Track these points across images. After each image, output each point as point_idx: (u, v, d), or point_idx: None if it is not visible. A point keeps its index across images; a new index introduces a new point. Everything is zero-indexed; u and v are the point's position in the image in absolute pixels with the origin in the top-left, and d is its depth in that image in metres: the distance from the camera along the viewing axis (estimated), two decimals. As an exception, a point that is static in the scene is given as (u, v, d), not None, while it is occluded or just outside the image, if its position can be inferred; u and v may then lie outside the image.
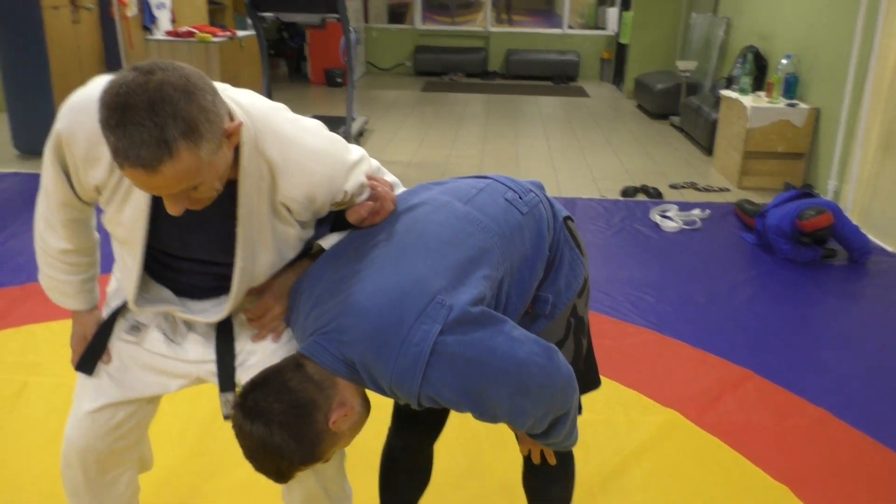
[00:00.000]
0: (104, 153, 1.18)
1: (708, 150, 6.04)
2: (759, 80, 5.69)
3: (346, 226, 1.38)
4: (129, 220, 1.24)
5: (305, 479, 1.45)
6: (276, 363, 1.22)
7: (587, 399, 2.39)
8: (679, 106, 7.09)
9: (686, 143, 6.54)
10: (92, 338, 1.41)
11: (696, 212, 4.42)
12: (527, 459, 1.57)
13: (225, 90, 1.18)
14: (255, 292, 1.36)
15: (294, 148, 1.23)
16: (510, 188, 1.40)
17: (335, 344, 1.18)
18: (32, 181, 4.66)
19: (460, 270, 1.20)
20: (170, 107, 0.99)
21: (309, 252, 1.41)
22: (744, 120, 5.06)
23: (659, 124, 7.40)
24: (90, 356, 1.40)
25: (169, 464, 2.04)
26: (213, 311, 1.35)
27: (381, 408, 2.02)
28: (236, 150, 1.17)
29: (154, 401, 1.50)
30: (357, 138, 5.91)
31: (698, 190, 5.07)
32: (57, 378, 2.43)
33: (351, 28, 5.32)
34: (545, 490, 1.62)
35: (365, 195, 1.34)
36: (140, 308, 1.36)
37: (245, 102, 1.20)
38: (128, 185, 1.21)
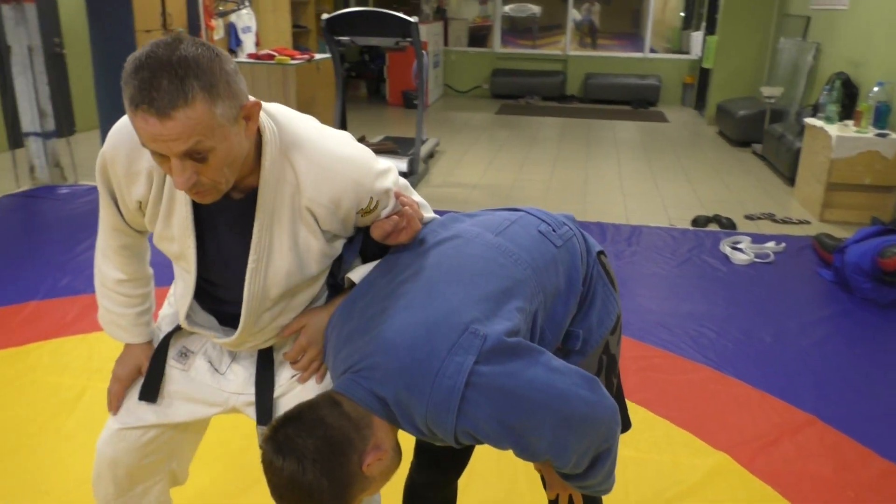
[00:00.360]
0: (143, 167, 1.22)
1: (790, 180, 5.79)
2: (849, 109, 5.41)
3: (375, 255, 1.38)
4: (178, 230, 1.26)
5: None
6: (310, 399, 1.18)
7: (633, 438, 2.33)
8: (762, 133, 6.84)
9: (767, 173, 6.29)
10: (149, 363, 1.44)
11: (771, 244, 4.23)
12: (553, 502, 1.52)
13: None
14: (291, 333, 1.36)
15: (320, 152, 1.23)
16: (543, 220, 1.37)
17: (367, 382, 1.15)
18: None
19: (494, 301, 1.17)
20: (193, 64, 1.01)
21: (341, 288, 1.40)
22: (828, 150, 4.83)
23: (739, 152, 7.15)
24: (151, 382, 1.43)
25: (204, 477, 2.08)
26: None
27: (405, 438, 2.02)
28: (259, 152, 1.18)
29: (189, 428, 1.53)
30: (427, 160, 5.98)
31: (775, 222, 4.85)
32: (116, 383, 2.55)
33: (426, 52, 5.40)
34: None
35: (391, 207, 1.32)
36: (190, 327, 1.40)
37: (271, 109, 1.23)
38: (169, 195, 1.24)
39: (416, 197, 1.43)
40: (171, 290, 1.50)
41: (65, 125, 5.50)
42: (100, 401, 2.44)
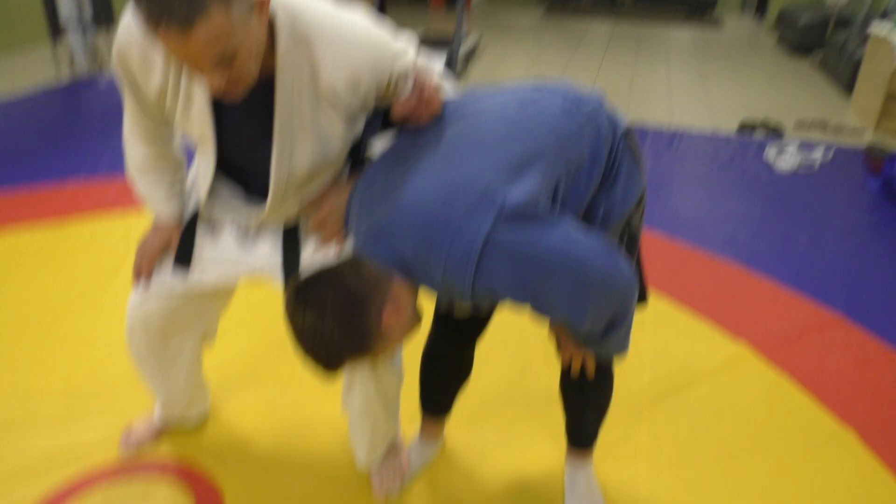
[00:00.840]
0: (157, 57, 1.21)
1: (848, 90, 5.51)
2: (919, 15, 5.07)
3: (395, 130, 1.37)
4: (197, 117, 1.27)
5: (366, 383, 1.51)
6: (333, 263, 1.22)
7: (653, 325, 2.34)
8: (823, 42, 6.47)
9: (824, 83, 5.99)
10: (182, 232, 1.48)
11: (818, 153, 4.07)
12: (565, 369, 1.55)
13: None
14: (315, 204, 1.38)
15: (335, 33, 1.21)
16: (568, 95, 1.34)
17: (387, 241, 1.17)
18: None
19: (514, 167, 1.16)
20: None
21: (362, 163, 1.41)
22: (891, 59, 4.55)
23: (798, 61, 6.80)
24: (185, 249, 1.48)
25: (237, 343, 2.17)
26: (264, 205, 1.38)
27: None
28: (272, 38, 1.17)
29: (216, 294, 1.59)
30: (466, 59, 5.84)
31: (827, 130, 4.65)
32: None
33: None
34: (581, 396, 1.60)
35: (410, 87, 1.30)
36: (211, 204, 1.43)
37: None
38: (187, 83, 1.23)
39: (435, 77, 1.40)
40: (194, 165, 1.52)
41: (103, 14, 5.49)
42: (135, 271, 2.56)
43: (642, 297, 1.50)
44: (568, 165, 1.24)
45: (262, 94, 1.22)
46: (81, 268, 2.59)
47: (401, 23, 7.66)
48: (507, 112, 1.28)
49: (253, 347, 2.19)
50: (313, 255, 1.43)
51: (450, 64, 5.18)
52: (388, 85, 1.27)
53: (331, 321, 1.11)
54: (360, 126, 1.34)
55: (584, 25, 8.37)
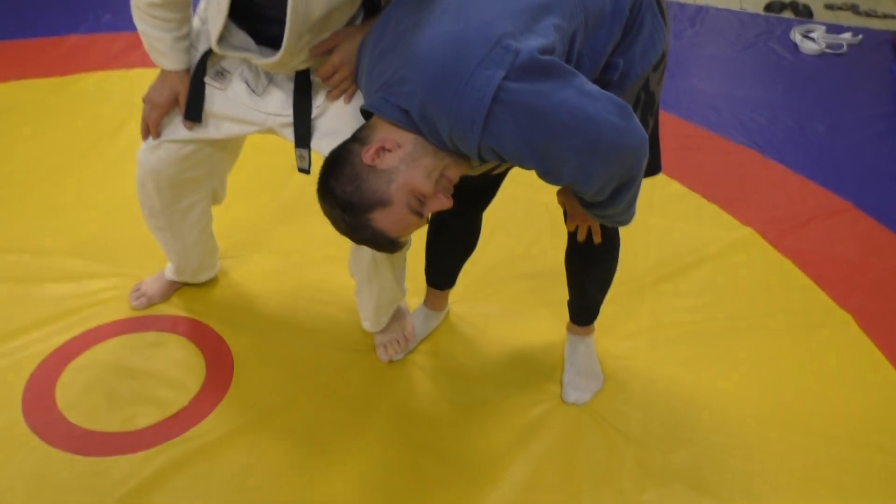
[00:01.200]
0: None
1: (885, -30, 5.20)
2: None
3: None
4: None
5: (375, 253, 1.50)
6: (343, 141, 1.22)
7: (661, 207, 2.33)
8: (865, -85, 6.04)
9: (861, -39, 5.65)
10: (189, 82, 1.42)
11: (847, 35, 3.89)
12: (571, 237, 1.54)
13: None
14: (325, 51, 1.33)
15: None
16: None
17: (395, 97, 1.14)
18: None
19: (529, 16, 1.10)
20: None
21: (377, 10, 1.35)
22: (937, -67, 4.27)
23: (836, -63, 6.39)
24: (194, 102, 1.43)
25: (246, 208, 2.17)
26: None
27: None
28: None
29: (227, 145, 1.56)
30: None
31: (858, 14, 4.43)
32: (156, 117, 2.59)
33: None
34: (585, 270, 1.62)
35: None
36: (222, 51, 1.37)
37: None
38: None
39: None
40: (203, 4, 1.45)
41: None
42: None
43: (656, 168, 1.47)
44: (587, 15, 1.18)
45: None
46: (85, 124, 2.55)
47: None
48: None
49: (263, 210, 2.20)
50: (324, 105, 1.40)
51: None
52: None
53: (329, 190, 1.18)
54: None
55: None
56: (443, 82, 1.07)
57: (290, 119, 1.41)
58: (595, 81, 1.27)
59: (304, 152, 1.41)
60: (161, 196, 1.57)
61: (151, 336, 1.74)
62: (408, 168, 1.15)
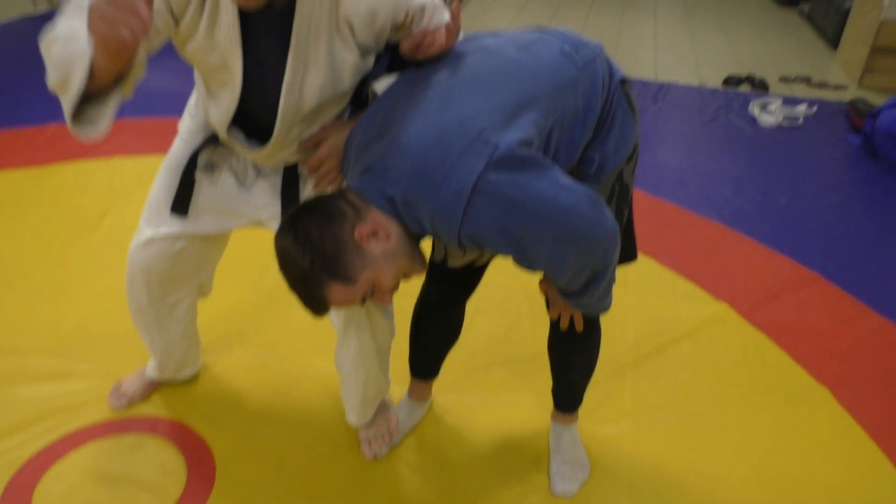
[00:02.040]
0: None
1: (834, 43, 5.49)
2: (909, -34, 5.02)
3: (400, 69, 1.36)
4: (223, 39, 1.22)
5: (362, 331, 1.52)
6: (336, 194, 1.23)
7: (636, 285, 2.38)
8: (811, -9, 6.41)
9: (810, 35, 5.96)
10: (180, 178, 1.44)
11: (802, 108, 4.08)
12: (554, 325, 1.57)
13: None
14: (313, 144, 1.37)
15: None
16: (567, 41, 1.33)
17: (380, 181, 1.18)
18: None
19: (509, 112, 1.17)
20: None
21: (364, 105, 1.40)
22: (879, 9, 4.53)
23: (786, 12, 6.74)
24: (182, 196, 1.45)
25: (227, 299, 2.16)
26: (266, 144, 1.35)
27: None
28: None
29: (216, 239, 1.58)
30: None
31: (811, 85, 4.66)
32: (137, 207, 2.57)
33: None
34: (568, 357, 1.64)
35: (424, 22, 1.31)
36: (212, 146, 1.40)
37: None
38: (213, 2, 1.19)
39: (447, 16, 1.38)
40: (192, 101, 1.49)
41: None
42: (122, 223, 2.53)
43: (632, 255, 1.52)
44: (563, 113, 1.25)
45: (281, 19, 1.20)
46: (66, 215, 2.56)
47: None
48: (507, 53, 1.28)
49: (243, 302, 2.20)
50: (311, 196, 1.42)
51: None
52: (404, 22, 1.27)
53: (301, 236, 1.16)
54: (370, 62, 1.33)
55: (572, -32, 8.18)
56: (426, 172, 1.12)
57: (279, 211, 1.44)
58: (572, 174, 1.33)
59: None
60: (150, 292, 1.58)
61: (131, 438, 1.71)
62: (385, 263, 1.19)
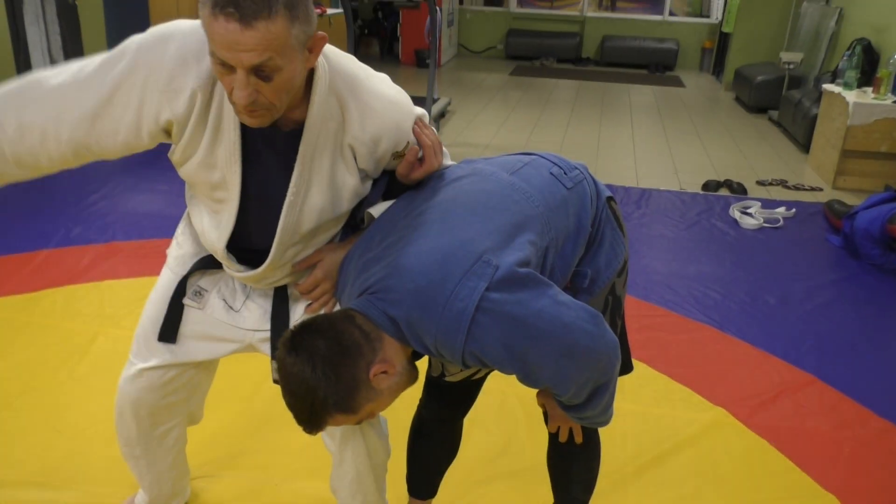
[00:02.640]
0: (187, 85, 1.16)
1: (805, 147, 5.73)
2: (868, 76, 5.33)
3: (396, 194, 1.40)
4: (223, 157, 1.23)
5: (358, 456, 1.50)
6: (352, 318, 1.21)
7: (633, 392, 2.36)
8: (779, 100, 6.74)
9: (782, 140, 6.22)
10: (168, 306, 1.44)
11: (781, 210, 4.20)
12: (553, 438, 1.56)
13: None
14: (306, 266, 1.38)
15: (368, 92, 1.25)
16: (555, 164, 1.40)
17: (381, 303, 1.20)
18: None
19: (506, 234, 1.21)
20: None
21: (357, 227, 1.43)
22: (845, 116, 4.77)
23: (756, 119, 7.07)
24: (170, 324, 1.44)
25: (215, 422, 2.13)
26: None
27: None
28: (308, 86, 1.19)
29: (207, 367, 1.57)
30: (438, 119, 5.95)
31: (787, 188, 4.82)
32: (127, 331, 2.59)
33: (440, 9, 5.32)
34: (568, 469, 1.60)
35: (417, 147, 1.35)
36: (201, 272, 1.41)
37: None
38: (216, 119, 1.20)
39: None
40: (180, 229, 1.50)
41: (72, 50, 5.48)
42: (112, 346, 2.52)
43: (628, 367, 1.52)
44: (557, 232, 1.29)
45: (285, 140, 1.23)
46: (55, 340, 2.54)
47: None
48: (500, 176, 1.33)
49: (233, 423, 2.16)
50: (303, 318, 1.40)
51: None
52: (405, 147, 1.32)
53: (320, 368, 1.13)
54: (368, 186, 1.36)
55: (551, 84, 8.60)
56: (429, 294, 1.14)
57: (269, 334, 1.43)
58: (565, 289, 1.36)
59: None
60: (139, 424, 1.54)
61: (118, 574, 1.64)
62: (388, 396, 1.22)
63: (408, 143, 1.31)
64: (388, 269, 1.19)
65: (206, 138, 1.22)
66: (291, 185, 1.25)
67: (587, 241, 1.36)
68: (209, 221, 1.35)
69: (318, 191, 1.27)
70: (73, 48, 5.40)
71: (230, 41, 1.03)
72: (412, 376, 1.26)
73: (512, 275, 1.14)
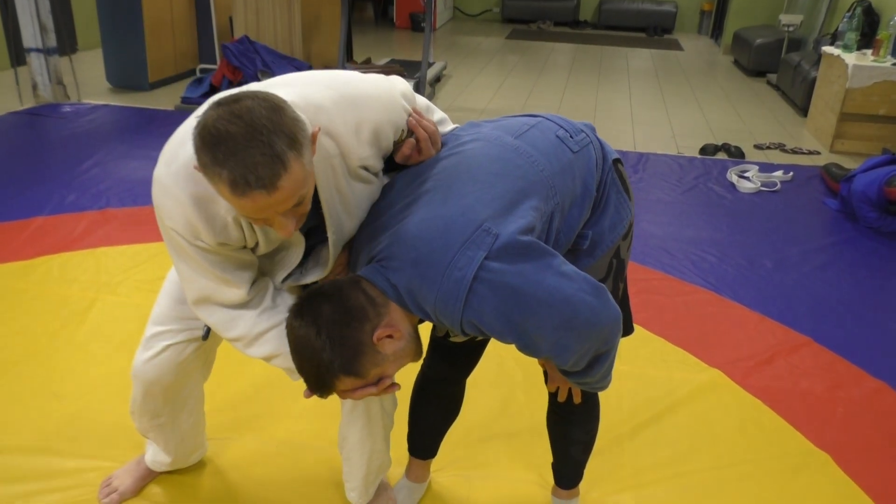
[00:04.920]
0: (226, 219, 1.17)
1: (803, 110, 5.69)
2: (868, 38, 5.27)
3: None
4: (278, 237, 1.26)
5: (370, 401, 1.52)
6: (359, 282, 1.23)
7: (629, 354, 2.38)
8: (778, 63, 6.68)
9: (780, 103, 6.18)
10: None
11: (778, 174, 4.19)
12: (552, 399, 1.57)
13: (265, 87, 1.17)
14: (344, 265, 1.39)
15: (347, 109, 1.21)
16: (561, 126, 1.38)
17: (385, 271, 1.21)
18: (121, 113, 4.90)
19: (509, 200, 1.20)
20: (269, 124, 1.00)
21: None
22: (844, 79, 4.73)
23: (754, 82, 7.01)
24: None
25: (218, 385, 2.13)
26: (313, 272, 1.37)
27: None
28: None
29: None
30: (433, 84, 5.89)
31: (785, 152, 4.80)
32: (123, 297, 2.60)
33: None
34: (567, 431, 1.62)
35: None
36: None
37: (287, 94, 1.16)
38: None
39: (437, 115, 1.43)
40: None
41: (67, 42, 5.42)
42: (109, 313, 2.52)
43: (629, 329, 1.52)
44: (562, 196, 1.28)
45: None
46: (52, 307, 2.54)
47: (367, 48, 7.77)
48: (504, 140, 1.31)
49: (232, 391, 2.17)
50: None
51: (417, 89, 5.22)
52: (401, 136, 1.30)
53: (324, 331, 1.17)
54: (384, 179, 1.36)
55: (548, 47, 8.51)
56: (428, 262, 1.15)
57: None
58: (568, 252, 1.36)
59: None
60: (165, 395, 1.55)
61: (121, 535, 1.66)
62: (394, 361, 1.23)
63: (403, 131, 1.29)
64: (393, 237, 1.20)
65: (261, 237, 1.24)
66: (329, 229, 1.25)
67: (592, 206, 1.35)
68: (275, 270, 1.37)
69: (348, 217, 1.28)
70: (63, 14, 5.31)
71: (262, 207, 1.03)
72: (417, 347, 1.27)
73: (513, 243, 1.13)
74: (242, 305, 1.29)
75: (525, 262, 1.13)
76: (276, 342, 1.29)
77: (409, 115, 1.30)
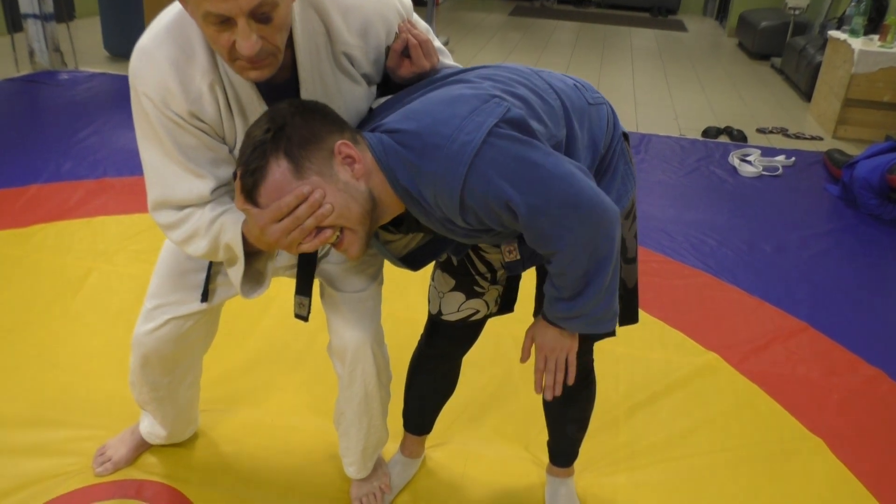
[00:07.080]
0: (202, 86, 1.13)
1: (807, 95, 5.65)
2: (876, 23, 5.22)
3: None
4: (251, 113, 1.21)
5: (367, 373, 1.49)
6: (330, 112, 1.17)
7: (626, 336, 2.36)
8: (783, 46, 6.63)
9: (784, 87, 6.14)
10: (206, 274, 1.42)
11: (780, 158, 4.17)
12: (549, 377, 1.54)
13: None
14: None
15: None
16: (577, 81, 1.35)
17: (380, 136, 1.15)
18: (119, 82, 4.84)
19: (522, 98, 1.16)
20: None
21: None
22: (849, 64, 4.69)
23: (758, 65, 6.96)
24: (206, 287, 1.43)
25: (214, 359, 2.13)
26: None
27: (411, 324, 2.06)
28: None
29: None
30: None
31: (787, 136, 4.77)
32: (120, 267, 2.58)
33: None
34: (563, 410, 1.61)
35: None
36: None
37: None
38: (237, 101, 1.17)
39: (436, 43, 1.38)
40: None
41: (64, 9, 5.34)
42: (105, 282, 2.50)
43: (633, 318, 1.49)
44: (570, 133, 1.23)
45: (286, 88, 1.20)
46: (48, 275, 2.52)
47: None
48: (520, 68, 1.27)
49: (229, 365, 2.16)
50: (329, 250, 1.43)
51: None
52: (396, 34, 1.26)
53: (297, 109, 1.10)
54: (374, 91, 1.32)
55: (551, 25, 8.43)
56: (436, 128, 1.08)
57: (293, 261, 1.42)
58: None
59: (305, 300, 1.41)
60: (165, 367, 1.54)
61: (115, 504, 1.66)
62: (340, 193, 1.11)
63: (397, 34, 1.26)
64: (401, 113, 1.15)
65: (237, 120, 1.20)
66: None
67: (600, 168, 1.31)
68: None
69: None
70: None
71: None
72: (368, 220, 1.15)
73: (522, 120, 1.09)
74: (201, 205, 1.22)
75: (531, 146, 1.09)
76: (232, 227, 1.20)
77: (403, 22, 1.27)
